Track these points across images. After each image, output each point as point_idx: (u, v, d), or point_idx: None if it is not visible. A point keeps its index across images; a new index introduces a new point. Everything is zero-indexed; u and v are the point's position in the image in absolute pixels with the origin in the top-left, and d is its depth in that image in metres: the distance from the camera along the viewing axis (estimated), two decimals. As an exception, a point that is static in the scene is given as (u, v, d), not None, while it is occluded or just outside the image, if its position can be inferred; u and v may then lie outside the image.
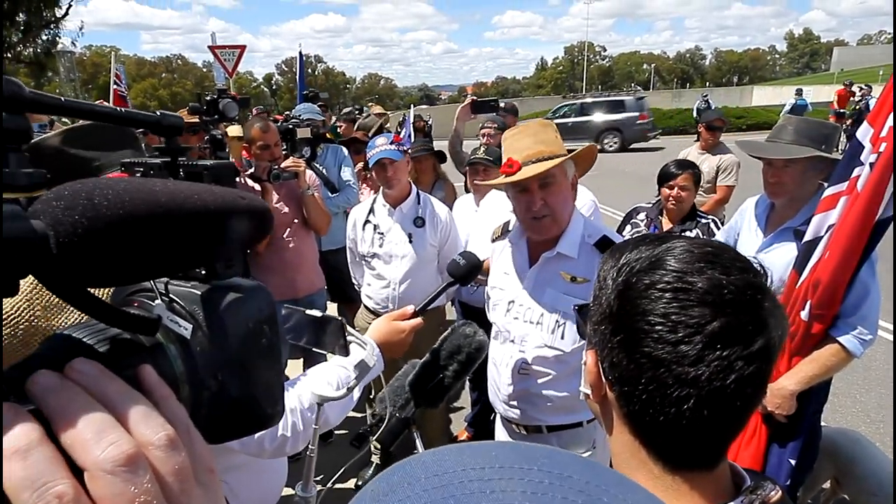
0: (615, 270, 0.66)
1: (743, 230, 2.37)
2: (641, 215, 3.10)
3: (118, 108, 0.40)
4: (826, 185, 1.94)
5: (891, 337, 4.54)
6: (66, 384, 0.30)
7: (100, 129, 1.29)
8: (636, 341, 0.61)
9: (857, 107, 13.67)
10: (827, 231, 1.86)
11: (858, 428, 3.06)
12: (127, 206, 0.32)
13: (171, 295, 0.40)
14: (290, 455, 1.20)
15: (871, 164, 1.75)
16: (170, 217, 0.34)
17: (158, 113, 0.42)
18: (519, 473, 0.27)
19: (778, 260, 2.07)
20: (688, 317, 0.58)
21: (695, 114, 20.11)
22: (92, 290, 0.33)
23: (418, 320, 1.35)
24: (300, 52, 9.71)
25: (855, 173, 1.82)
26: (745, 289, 0.60)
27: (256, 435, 1.11)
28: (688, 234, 2.85)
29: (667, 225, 3.01)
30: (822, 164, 2.09)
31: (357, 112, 6.50)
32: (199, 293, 0.40)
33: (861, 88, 14.54)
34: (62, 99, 0.38)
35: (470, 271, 1.44)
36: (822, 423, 2.23)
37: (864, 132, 1.85)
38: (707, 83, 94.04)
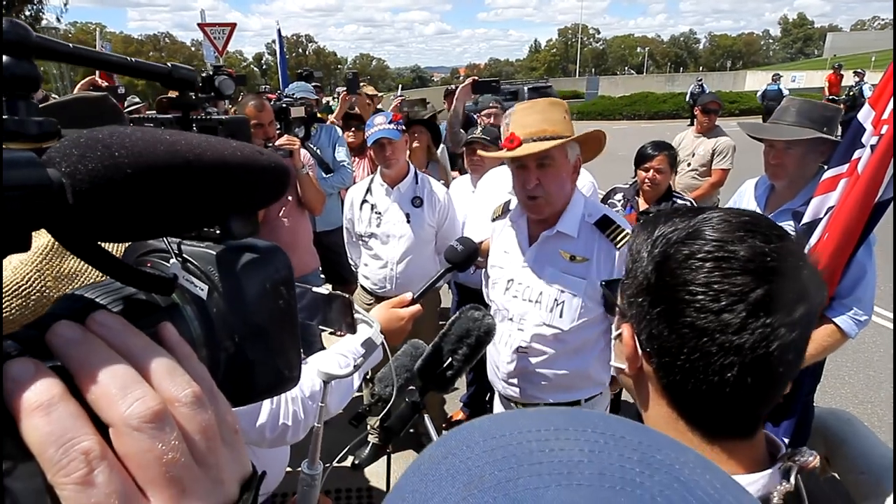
0: (649, 243, 0.66)
1: (741, 212, 2.37)
2: (618, 195, 3.13)
3: (129, 59, 0.38)
4: (826, 167, 1.94)
5: (882, 322, 4.60)
6: (88, 336, 0.28)
7: (75, 105, 1.25)
8: (677, 312, 0.61)
9: (852, 92, 13.67)
10: (826, 213, 1.86)
11: (847, 408, 3.11)
12: (146, 155, 0.30)
13: (185, 255, 0.39)
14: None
15: (873, 147, 1.75)
16: (189, 169, 0.32)
17: (170, 65, 0.40)
18: (574, 434, 0.27)
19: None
20: (731, 285, 0.59)
21: (688, 98, 20.07)
22: (105, 249, 0.32)
23: (417, 307, 1.34)
24: (279, 31, 9.63)
25: (856, 155, 1.82)
26: (786, 256, 0.60)
27: (257, 423, 1.11)
28: None
29: (643, 205, 3.06)
30: (823, 147, 2.09)
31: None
32: (215, 253, 0.39)
33: (857, 73, 14.52)
34: (71, 45, 0.36)
35: (468, 257, 1.42)
36: (813, 404, 2.26)
37: (865, 114, 1.84)
38: (701, 67, 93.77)
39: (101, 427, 0.26)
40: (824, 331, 1.89)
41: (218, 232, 0.40)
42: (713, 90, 22.24)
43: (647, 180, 2.97)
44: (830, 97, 15.35)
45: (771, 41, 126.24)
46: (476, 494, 0.25)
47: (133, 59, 0.39)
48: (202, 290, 0.38)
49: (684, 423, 0.65)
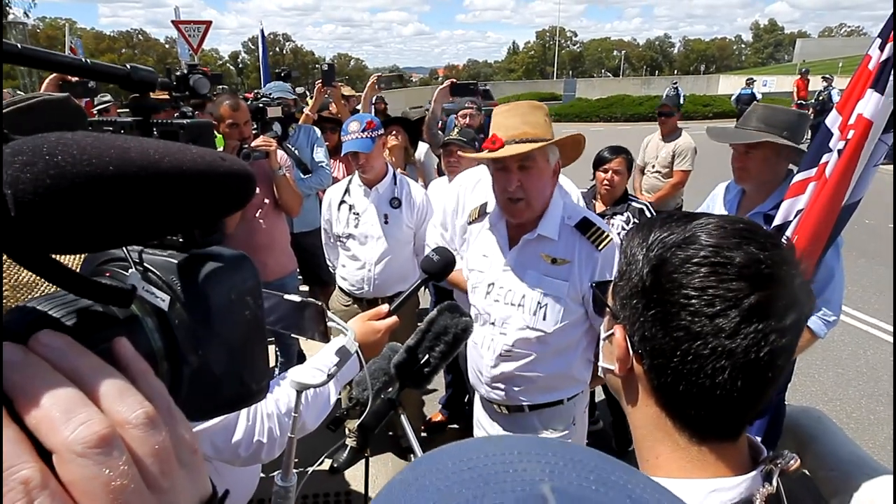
0: (644, 247, 0.66)
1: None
2: None
3: (84, 60, 0.36)
4: (796, 170, 1.99)
5: (849, 321, 4.73)
6: (30, 358, 0.27)
7: (40, 110, 1.21)
8: (672, 315, 0.62)
9: (821, 97, 14.04)
10: (795, 216, 1.90)
11: (816, 405, 3.19)
12: (94, 162, 0.28)
13: (145, 264, 0.37)
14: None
15: (840, 151, 1.79)
16: (142, 176, 0.30)
17: (129, 66, 0.39)
18: (536, 457, 0.30)
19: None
20: (725, 290, 0.60)
21: (664, 100, 20.43)
22: (60, 259, 0.30)
23: (394, 319, 1.33)
24: (261, 31, 9.62)
25: (824, 159, 1.86)
26: (780, 264, 0.61)
27: (233, 440, 1.09)
28: (619, 216, 3.03)
29: (600, 207, 3.15)
30: (790, 151, 2.13)
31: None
32: (176, 262, 0.37)
33: (825, 78, 14.91)
34: (19, 46, 0.34)
35: (444, 267, 1.42)
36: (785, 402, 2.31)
37: (832, 120, 1.89)
38: (675, 71, 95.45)
39: (46, 454, 0.25)
40: (795, 331, 1.92)
41: (181, 240, 0.39)
42: (688, 93, 22.63)
43: (605, 181, 3.10)
44: (800, 101, 15.76)
45: (743, 46, 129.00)
46: None
47: (89, 61, 0.37)
48: (163, 300, 0.36)
49: (672, 423, 0.66)
